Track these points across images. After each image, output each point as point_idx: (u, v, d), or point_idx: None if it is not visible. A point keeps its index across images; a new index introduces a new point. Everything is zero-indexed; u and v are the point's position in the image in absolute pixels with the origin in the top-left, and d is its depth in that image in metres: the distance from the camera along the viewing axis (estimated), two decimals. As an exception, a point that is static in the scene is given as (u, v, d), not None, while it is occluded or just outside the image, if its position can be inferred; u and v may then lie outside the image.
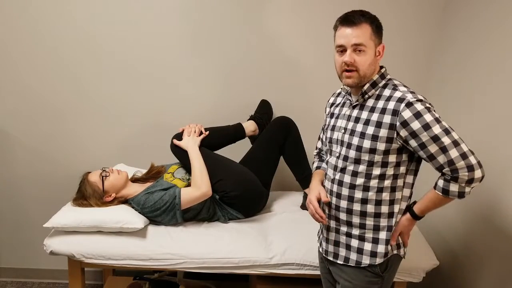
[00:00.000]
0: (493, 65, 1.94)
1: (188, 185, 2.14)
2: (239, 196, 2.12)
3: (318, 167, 1.76)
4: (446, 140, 1.36)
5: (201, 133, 2.24)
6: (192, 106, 2.54)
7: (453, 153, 1.36)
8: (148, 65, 2.46)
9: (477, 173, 1.37)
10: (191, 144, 2.17)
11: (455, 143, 1.36)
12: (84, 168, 2.53)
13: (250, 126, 2.35)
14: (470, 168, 1.36)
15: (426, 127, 1.36)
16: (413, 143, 1.39)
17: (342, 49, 1.43)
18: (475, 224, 1.98)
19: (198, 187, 2.05)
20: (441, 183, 1.42)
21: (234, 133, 2.32)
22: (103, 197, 2.06)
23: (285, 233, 2.06)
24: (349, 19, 1.41)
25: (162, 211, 2.01)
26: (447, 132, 1.37)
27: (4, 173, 2.62)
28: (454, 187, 1.39)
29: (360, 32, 1.39)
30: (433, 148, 1.37)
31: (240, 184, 2.15)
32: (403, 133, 1.39)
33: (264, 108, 2.42)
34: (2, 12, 2.34)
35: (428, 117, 1.36)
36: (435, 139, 1.36)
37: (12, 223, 2.70)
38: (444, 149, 1.36)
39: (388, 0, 2.31)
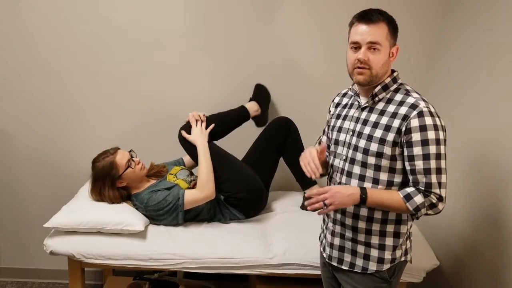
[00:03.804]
0: (494, 64, 1.93)
1: (191, 186, 2.15)
2: (244, 198, 2.12)
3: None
4: (432, 164, 1.37)
5: (207, 125, 2.21)
6: (193, 105, 2.52)
7: (433, 178, 1.37)
8: (148, 64, 2.45)
9: (441, 205, 1.40)
10: (199, 139, 2.14)
11: (439, 171, 1.38)
12: (84, 168, 2.52)
13: (253, 107, 2.34)
14: (440, 198, 1.39)
15: (424, 143, 1.36)
16: (405, 151, 1.40)
17: (356, 46, 1.41)
18: (476, 224, 1.98)
19: (202, 189, 2.05)
20: (409, 189, 1.41)
21: (239, 115, 2.31)
22: (116, 180, 2.06)
23: (285, 233, 2.06)
24: (367, 16, 1.39)
25: (165, 211, 2.01)
26: (438, 157, 1.37)
27: (4, 173, 2.62)
28: (419, 199, 1.38)
29: (376, 30, 1.38)
30: (418, 165, 1.38)
31: (246, 186, 2.14)
32: (404, 139, 1.39)
33: (260, 90, 2.42)
34: (3, 14, 2.34)
35: (430, 135, 1.36)
36: (425, 157, 1.37)
37: (12, 223, 2.70)
38: (426, 171, 1.37)
39: (388, 0, 2.32)
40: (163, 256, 1.93)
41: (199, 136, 2.15)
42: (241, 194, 2.11)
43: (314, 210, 1.43)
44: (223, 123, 2.26)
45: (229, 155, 2.21)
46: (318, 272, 1.89)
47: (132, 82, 2.48)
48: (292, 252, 1.94)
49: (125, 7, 2.36)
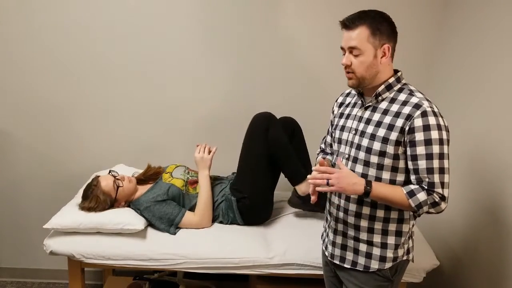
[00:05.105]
0: (493, 64, 1.93)
1: (187, 182, 2.16)
2: (251, 206, 2.11)
3: (323, 158, 1.73)
4: (435, 164, 1.38)
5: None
6: (194, 106, 2.53)
7: (436, 178, 1.38)
8: (150, 66, 2.45)
9: (443, 205, 1.41)
10: (199, 167, 2.15)
11: (442, 171, 1.39)
12: (84, 168, 2.53)
13: (306, 187, 2.10)
14: (442, 198, 1.40)
15: (427, 143, 1.37)
16: (408, 151, 1.40)
17: (343, 52, 1.46)
18: (476, 224, 1.98)
19: (200, 218, 2.06)
20: (413, 186, 1.41)
21: (292, 172, 2.13)
22: (114, 204, 2.05)
23: (285, 233, 2.06)
24: (345, 23, 1.42)
25: (157, 226, 2.02)
26: (441, 157, 1.38)
27: (4, 173, 2.62)
28: (422, 196, 1.39)
29: (354, 35, 1.40)
30: (422, 164, 1.38)
31: (260, 198, 2.13)
32: (407, 138, 1.39)
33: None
34: (3, 13, 2.34)
35: (434, 135, 1.37)
36: (428, 157, 1.37)
37: (12, 223, 2.70)
38: (429, 171, 1.38)
39: (388, 0, 2.32)
40: (163, 256, 1.93)
41: (199, 163, 2.15)
42: (251, 201, 2.10)
43: (316, 185, 1.43)
44: (283, 161, 2.11)
45: (267, 166, 2.13)
46: (318, 272, 1.90)
47: (133, 83, 2.48)
48: (292, 252, 1.94)
49: (127, 8, 2.36)
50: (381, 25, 1.41)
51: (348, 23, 1.41)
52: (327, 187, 1.41)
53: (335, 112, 1.68)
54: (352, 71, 1.43)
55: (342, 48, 1.46)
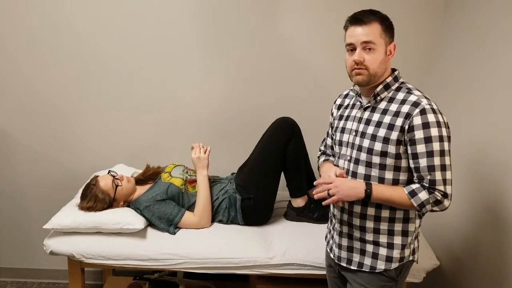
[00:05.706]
0: (493, 64, 1.93)
1: (186, 181, 2.17)
2: (255, 209, 2.12)
3: (326, 160, 1.72)
4: (436, 161, 1.37)
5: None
6: (194, 107, 2.53)
7: (437, 175, 1.38)
8: (150, 66, 2.45)
9: (446, 202, 1.40)
10: (199, 166, 2.15)
11: (443, 168, 1.38)
12: (84, 168, 2.53)
13: (301, 201, 2.18)
14: (444, 195, 1.39)
15: (427, 140, 1.36)
16: (409, 149, 1.40)
17: (351, 48, 1.43)
18: (476, 224, 1.98)
19: (199, 218, 2.06)
20: (415, 185, 1.41)
21: (296, 186, 2.18)
22: (112, 204, 2.06)
23: (285, 233, 2.06)
24: (358, 18, 1.41)
25: (156, 225, 2.03)
26: (442, 154, 1.37)
27: (4, 173, 2.62)
28: (423, 195, 1.39)
29: (369, 30, 1.39)
30: (422, 162, 1.38)
31: (264, 203, 2.14)
32: (407, 137, 1.39)
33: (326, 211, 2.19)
34: (4, 14, 2.34)
35: (433, 132, 1.36)
36: (429, 155, 1.37)
37: (12, 223, 2.70)
38: (430, 168, 1.37)
39: (389, 0, 2.32)
40: (163, 256, 1.93)
41: (197, 163, 2.15)
42: (255, 202, 2.11)
43: (320, 199, 1.45)
44: (292, 172, 2.15)
45: (278, 172, 2.16)
46: (318, 272, 1.90)
47: (132, 83, 2.48)
48: (292, 252, 1.94)
49: (127, 8, 2.36)
50: (389, 23, 1.43)
51: (362, 18, 1.39)
52: (330, 198, 1.42)
53: (334, 114, 1.67)
54: (365, 67, 1.41)
55: (350, 45, 1.43)
